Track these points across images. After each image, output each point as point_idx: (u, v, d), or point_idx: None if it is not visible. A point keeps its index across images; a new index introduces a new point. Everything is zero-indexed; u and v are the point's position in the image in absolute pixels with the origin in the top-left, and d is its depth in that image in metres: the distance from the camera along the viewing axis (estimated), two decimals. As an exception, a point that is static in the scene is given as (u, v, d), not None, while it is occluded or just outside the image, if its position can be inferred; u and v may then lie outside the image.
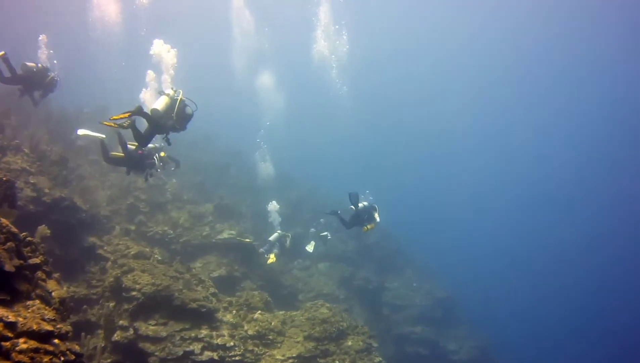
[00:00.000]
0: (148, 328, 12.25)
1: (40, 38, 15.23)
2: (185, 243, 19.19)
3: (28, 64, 12.74)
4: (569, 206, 77.16)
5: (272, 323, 14.51)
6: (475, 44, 71.11)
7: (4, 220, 6.58)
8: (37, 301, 6.36)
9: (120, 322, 12.26)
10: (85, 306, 12.89)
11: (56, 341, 5.92)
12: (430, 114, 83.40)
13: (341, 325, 14.79)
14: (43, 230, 8.67)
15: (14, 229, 6.62)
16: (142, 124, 10.55)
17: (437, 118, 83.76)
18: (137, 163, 12.14)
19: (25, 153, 14.76)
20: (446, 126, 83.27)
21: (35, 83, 12.89)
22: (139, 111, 9.94)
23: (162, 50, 12.51)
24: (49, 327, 5.88)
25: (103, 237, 15.80)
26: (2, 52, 12.00)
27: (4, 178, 8.33)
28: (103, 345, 12.01)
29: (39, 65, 12.94)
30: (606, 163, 78.50)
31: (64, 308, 7.06)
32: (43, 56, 14.81)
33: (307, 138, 71.52)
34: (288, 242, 19.43)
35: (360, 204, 15.40)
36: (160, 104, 10.28)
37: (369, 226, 15.49)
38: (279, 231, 19.59)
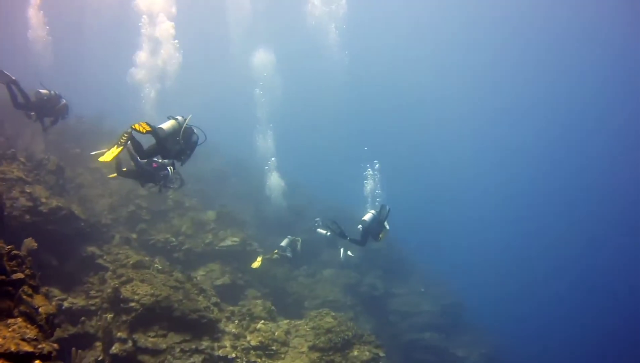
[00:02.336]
0: (147, 340, 11.94)
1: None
2: (187, 251, 18.87)
3: (41, 91, 12.80)
4: (576, 205, 76.26)
5: (276, 334, 14.19)
6: (482, 33, 69.86)
7: (-16, 234, 6.27)
8: (20, 319, 6.02)
9: (119, 334, 11.93)
10: (83, 318, 12.55)
11: (37, 362, 5.58)
12: (434, 108, 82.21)
13: (347, 335, 14.42)
14: (29, 242, 8.36)
15: (-5, 243, 6.31)
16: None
17: (441, 112, 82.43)
18: (151, 175, 12.10)
19: (21, 161, 14.52)
20: (450, 121, 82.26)
21: (47, 110, 12.95)
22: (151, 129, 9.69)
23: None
24: (28, 348, 5.54)
25: (103, 246, 15.45)
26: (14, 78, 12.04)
27: (-10, 189, 8.04)
28: (101, 358, 11.71)
29: (52, 92, 12.99)
30: (614, 164, 77.53)
31: (48, 325, 6.73)
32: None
33: (307, 131, 70.69)
34: (299, 246, 19.21)
35: (366, 217, 15.05)
36: (166, 125, 10.10)
37: (381, 236, 15.14)
38: (289, 237, 19.35)
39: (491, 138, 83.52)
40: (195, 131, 10.64)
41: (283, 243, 18.94)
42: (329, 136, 70.03)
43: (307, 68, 59.59)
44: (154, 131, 9.66)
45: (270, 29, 41.92)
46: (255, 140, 31.63)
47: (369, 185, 21.25)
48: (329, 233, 20.36)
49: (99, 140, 19.90)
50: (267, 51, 36.24)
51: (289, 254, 18.67)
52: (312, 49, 49.08)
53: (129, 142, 9.61)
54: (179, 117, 10.37)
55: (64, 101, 13.17)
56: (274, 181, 26.24)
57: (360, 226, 14.95)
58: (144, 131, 9.35)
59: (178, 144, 10.28)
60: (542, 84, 73.18)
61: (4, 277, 6.20)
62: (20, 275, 6.73)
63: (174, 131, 10.11)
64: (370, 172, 20.03)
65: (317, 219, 22.01)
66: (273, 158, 25.43)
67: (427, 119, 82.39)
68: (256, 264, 18.02)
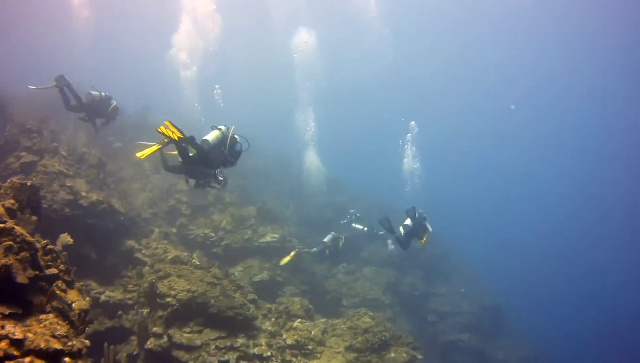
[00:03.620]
0: (182, 336, 11.90)
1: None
2: (226, 247, 18.81)
3: (92, 93, 13.13)
4: (627, 201, 73.66)
5: (312, 332, 14.02)
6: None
7: (18, 228, 6.24)
8: (52, 315, 5.99)
9: (154, 329, 11.94)
10: (120, 312, 12.68)
11: (67, 359, 5.53)
12: (479, 90, 78.64)
13: (384, 335, 14.18)
14: (65, 237, 8.36)
15: (29, 238, 6.28)
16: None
17: (488, 96, 79.16)
18: (197, 172, 12.19)
19: (62, 155, 14.69)
20: (496, 108, 79.54)
21: (99, 111, 13.25)
22: (191, 141, 9.70)
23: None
24: (58, 345, 5.49)
25: (141, 240, 15.59)
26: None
27: (28, 183, 8.05)
28: (136, 352, 11.76)
29: (103, 94, 13.30)
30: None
31: (80, 321, 6.70)
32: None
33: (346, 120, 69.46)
34: (341, 243, 19.09)
35: (407, 221, 14.85)
36: (211, 136, 10.18)
37: (424, 239, 14.91)
38: (332, 233, 19.33)
39: (537, 131, 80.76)
40: (238, 139, 10.68)
41: (326, 239, 18.90)
42: (371, 118, 69.00)
43: (348, 48, 58.80)
44: (191, 142, 9.61)
45: (311, 11, 40.99)
46: (296, 121, 31.19)
47: (407, 161, 20.88)
48: (365, 228, 20.16)
49: (142, 134, 20.10)
50: (309, 31, 35.32)
51: (327, 251, 18.58)
52: (352, 29, 48.53)
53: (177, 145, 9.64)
54: (222, 127, 10.40)
55: (114, 102, 13.41)
56: (312, 162, 25.98)
57: (401, 228, 14.81)
58: (176, 137, 9.28)
59: (222, 155, 10.33)
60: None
61: (37, 272, 6.17)
62: (54, 270, 6.73)
63: (219, 142, 10.20)
64: (410, 136, 19.57)
65: (352, 211, 21.82)
66: (312, 127, 24.93)
67: (471, 102, 79.61)
68: (287, 259, 17.98)
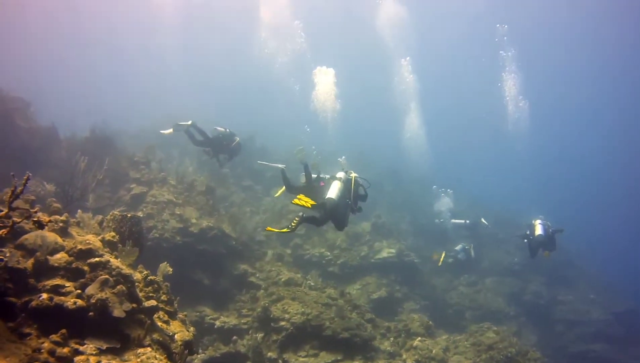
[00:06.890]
0: (297, 360, 11.70)
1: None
2: (343, 265, 18.53)
3: (218, 129, 13.33)
4: None
5: (434, 351, 13.40)
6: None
7: (113, 261, 6.16)
8: (149, 349, 5.82)
9: (269, 354, 11.80)
10: (235, 337, 12.58)
11: (163, 395, 5.32)
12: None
13: (510, 351, 13.34)
14: (164, 267, 8.25)
15: (125, 270, 6.19)
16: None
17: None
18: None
19: (171, 184, 14.92)
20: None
21: (223, 147, 13.33)
22: (321, 205, 9.44)
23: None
24: (153, 381, 5.29)
25: (255, 264, 15.51)
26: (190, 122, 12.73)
27: (129, 214, 8.03)
28: (252, 379, 11.61)
29: (227, 130, 13.44)
30: None
31: (179, 355, 6.50)
32: None
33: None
34: (472, 252, 19.15)
35: (540, 232, 14.11)
36: (334, 192, 9.64)
37: (548, 252, 14.14)
38: (462, 244, 19.23)
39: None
40: (360, 182, 10.26)
41: (457, 248, 18.81)
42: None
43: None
44: (322, 206, 9.33)
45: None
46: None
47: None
48: (467, 221, 19.50)
49: (250, 159, 20.22)
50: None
51: (460, 256, 18.21)
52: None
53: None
54: (342, 174, 10.05)
55: (237, 138, 13.47)
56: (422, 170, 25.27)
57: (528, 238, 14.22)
58: (309, 205, 9.04)
59: (349, 206, 9.92)
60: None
61: (134, 305, 6.03)
62: (152, 302, 6.57)
63: (342, 194, 9.73)
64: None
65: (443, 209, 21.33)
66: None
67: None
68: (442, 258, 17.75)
